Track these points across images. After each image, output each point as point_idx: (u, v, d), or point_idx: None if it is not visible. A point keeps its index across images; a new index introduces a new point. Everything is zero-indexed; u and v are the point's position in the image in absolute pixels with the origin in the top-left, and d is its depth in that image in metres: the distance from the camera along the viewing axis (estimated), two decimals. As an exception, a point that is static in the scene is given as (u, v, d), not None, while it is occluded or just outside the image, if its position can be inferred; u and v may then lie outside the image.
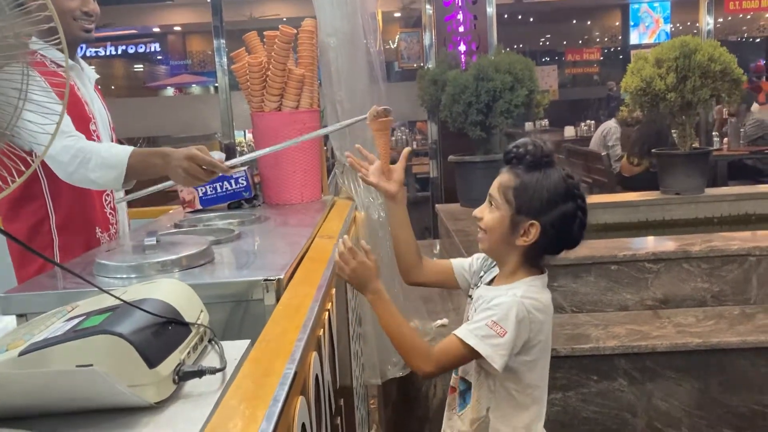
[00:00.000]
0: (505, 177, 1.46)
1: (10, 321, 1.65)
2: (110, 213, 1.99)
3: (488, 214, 1.48)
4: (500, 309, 1.40)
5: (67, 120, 1.68)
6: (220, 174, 1.67)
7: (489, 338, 1.38)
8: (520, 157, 1.44)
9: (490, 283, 1.56)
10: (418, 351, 1.45)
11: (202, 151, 1.60)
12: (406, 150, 1.74)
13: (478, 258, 1.65)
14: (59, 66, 1.69)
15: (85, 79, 1.98)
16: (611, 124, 6.52)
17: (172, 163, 1.59)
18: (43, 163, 1.71)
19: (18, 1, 0.89)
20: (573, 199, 1.43)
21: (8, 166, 0.88)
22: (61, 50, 0.91)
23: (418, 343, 1.46)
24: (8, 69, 0.83)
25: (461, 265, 1.67)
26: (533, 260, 1.48)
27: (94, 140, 1.84)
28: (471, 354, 1.41)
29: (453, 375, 1.62)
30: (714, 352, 2.61)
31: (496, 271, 1.57)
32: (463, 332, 1.41)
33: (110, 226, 1.98)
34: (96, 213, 1.93)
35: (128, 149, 1.65)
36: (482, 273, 1.62)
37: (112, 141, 2.00)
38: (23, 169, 0.93)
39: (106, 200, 1.96)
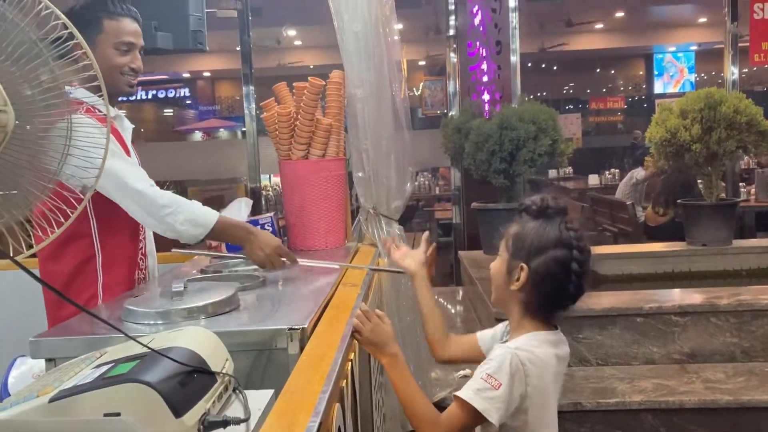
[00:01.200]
0: (510, 227, 1.51)
1: (35, 362, 1.68)
2: (141, 258, 2.04)
3: (494, 263, 1.53)
4: (494, 361, 1.38)
5: (142, 171, 1.83)
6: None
7: (484, 391, 1.35)
8: (526, 209, 1.49)
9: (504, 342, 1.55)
10: (428, 418, 1.42)
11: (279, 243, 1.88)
12: (426, 234, 1.85)
13: (502, 325, 1.64)
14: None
15: (124, 130, 2.04)
16: (640, 173, 6.49)
17: (256, 243, 1.82)
18: (94, 202, 1.78)
19: (60, 52, 0.93)
20: (566, 247, 1.43)
21: (59, 206, 0.92)
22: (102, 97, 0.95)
23: (428, 410, 1.44)
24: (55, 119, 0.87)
25: (485, 336, 1.66)
26: (536, 312, 1.47)
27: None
28: (472, 413, 1.36)
29: None
30: (745, 411, 2.54)
31: None
32: (462, 391, 1.39)
33: (141, 271, 2.03)
34: (134, 255, 1.99)
35: (216, 213, 1.82)
36: (504, 338, 1.59)
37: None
38: (75, 204, 0.96)
39: (140, 244, 2.02)
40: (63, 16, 0.84)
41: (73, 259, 1.85)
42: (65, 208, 0.94)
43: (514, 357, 1.37)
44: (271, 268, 1.83)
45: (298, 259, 1.90)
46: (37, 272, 1.86)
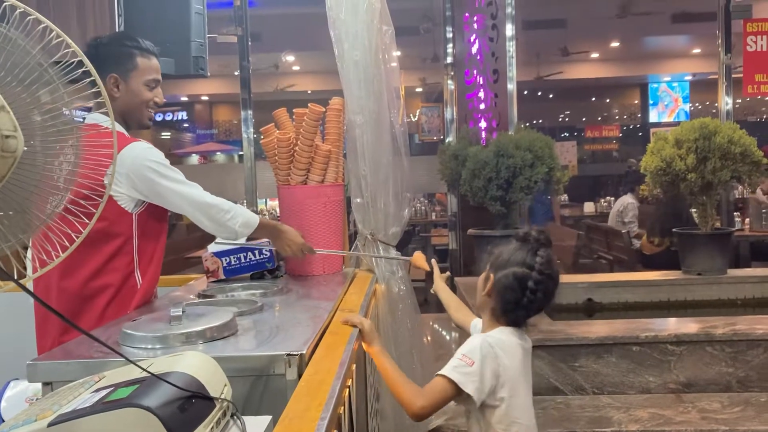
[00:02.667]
0: (497, 246, 1.80)
1: (28, 386, 1.67)
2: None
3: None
4: (468, 345, 1.66)
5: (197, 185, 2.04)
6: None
7: (460, 368, 1.61)
8: (515, 235, 1.78)
9: None
10: (412, 392, 1.64)
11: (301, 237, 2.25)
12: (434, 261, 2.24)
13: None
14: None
15: None
16: (628, 200, 6.51)
17: (285, 239, 2.20)
18: (140, 221, 1.92)
19: (71, 77, 0.95)
20: (528, 267, 1.67)
21: (63, 230, 0.93)
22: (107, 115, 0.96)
23: (412, 386, 1.66)
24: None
25: (476, 324, 1.92)
26: (501, 316, 1.71)
27: None
28: (450, 386, 1.60)
29: None
30: (741, 441, 2.53)
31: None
32: (442, 369, 1.64)
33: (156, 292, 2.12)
34: (157, 278, 2.06)
35: (258, 216, 2.14)
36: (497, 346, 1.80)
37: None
38: (81, 230, 0.97)
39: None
40: (73, 44, 0.86)
41: (118, 272, 1.91)
42: (70, 232, 0.95)
43: (484, 341, 1.65)
44: (296, 257, 2.25)
45: (315, 250, 2.30)
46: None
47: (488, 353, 1.62)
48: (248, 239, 2.31)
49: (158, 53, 2.06)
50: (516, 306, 1.68)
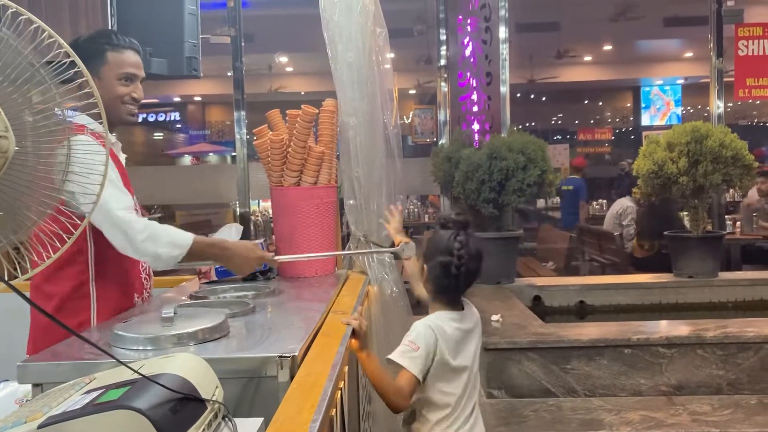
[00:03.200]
0: (426, 235, 1.92)
1: (18, 387, 1.65)
2: (145, 278, 2.04)
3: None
4: (414, 332, 1.80)
5: (130, 198, 1.86)
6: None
7: (407, 353, 1.76)
8: (437, 220, 1.93)
9: None
10: (391, 388, 1.73)
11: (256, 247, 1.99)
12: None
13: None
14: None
15: (121, 156, 2.05)
16: (626, 203, 6.51)
17: (236, 259, 1.93)
18: (94, 228, 1.79)
19: (62, 78, 0.94)
20: (450, 253, 1.80)
21: (55, 231, 0.92)
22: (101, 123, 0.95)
23: (391, 383, 1.75)
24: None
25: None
26: (439, 298, 1.86)
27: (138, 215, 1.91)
28: (409, 373, 1.73)
29: None
30: (731, 443, 2.54)
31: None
32: (392, 354, 1.78)
33: (144, 291, 2.03)
34: (134, 278, 1.98)
35: (191, 235, 1.87)
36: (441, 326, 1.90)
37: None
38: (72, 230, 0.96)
39: (143, 266, 2.02)
40: (65, 44, 0.85)
41: (69, 281, 1.83)
42: (61, 233, 0.94)
43: (426, 326, 1.79)
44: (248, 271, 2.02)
45: (277, 258, 2.12)
46: (28, 294, 1.84)
47: (429, 337, 1.77)
48: (201, 268, 2.24)
49: (139, 48, 1.98)
50: (447, 289, 1.84)
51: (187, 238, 1.84)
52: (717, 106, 5.64)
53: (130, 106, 1.96)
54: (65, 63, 0.86)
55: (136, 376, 1.03)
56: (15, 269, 0.87)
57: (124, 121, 1.99)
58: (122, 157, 2.08)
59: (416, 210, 9.29)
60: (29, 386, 1.39)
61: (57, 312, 1.80)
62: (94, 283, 1.85)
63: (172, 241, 1.81)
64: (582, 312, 4.04)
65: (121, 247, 1.79)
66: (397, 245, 2.17)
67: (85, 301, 1.84)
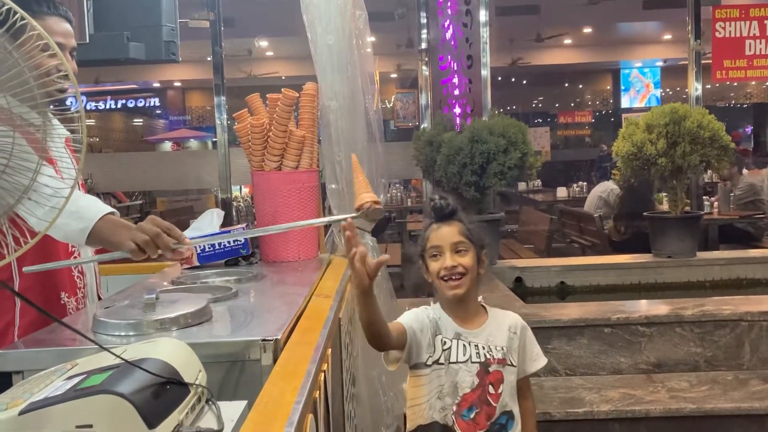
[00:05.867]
0: (456, 226, 1.74)
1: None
2: (78, 276, 1.86)
3: (464, 258, 1.71)
4: (527, 326, 1.81)
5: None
6: (170, 246, 1.51)
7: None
8: (454, 210, 1.77)
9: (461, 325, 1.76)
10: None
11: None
12: (385, 257, 1.62)
13: (421, 312, 1.79)
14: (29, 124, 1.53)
15: (55, 137, 1.87)
16: (611, 185, 6.55)
17: (134, 231, 1.50)
18: (11, 220, 1.60)
19: (35, 61, 0.91)
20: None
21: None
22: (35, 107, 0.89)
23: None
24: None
25: (409, 320, 1.76)
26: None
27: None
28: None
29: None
30: (708, 419, 2.60)
31: (445, 318, 1.76)
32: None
33: (77, 290, 1.86)
34: (63, 276, 1.80)
35: (104, 210, 1.57)
36: (436, 318, 1.77)
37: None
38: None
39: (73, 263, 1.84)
40: (39, 27, 0.84)
41: None
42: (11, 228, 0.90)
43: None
44: (146, 249, 1.50)
45: (188, 238, 1.59)
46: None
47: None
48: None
49: (67, 15, 1.76)
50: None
51: (94, 212, 1.55)
52: (695, 87, 5.69)
53: (60, 82, 1.60)
54: (39, 45, 0.85)
55: (118, 361, 1.03)
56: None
57: (53, 98, 1.73)
58: (62, 135, 1.84)
59: (399, 194, 9.29)
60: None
61: None
62: (18, 280, 1.68)
63: (76, 212, 1.53)
64: (563, 293, 4.09)
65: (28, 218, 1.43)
66: (362, 206, 1.73)
67: (9, 302, 1.69)
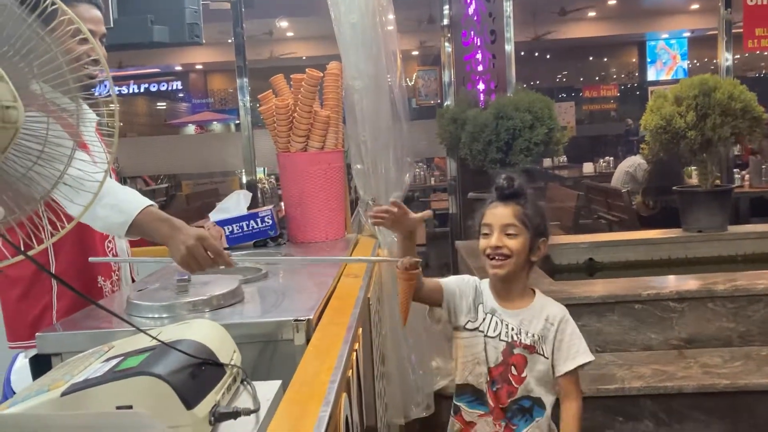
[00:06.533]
0: (512, 209, 1.72)
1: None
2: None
3: (511, 241, 1.70)
4: (571, 322, 1.77)
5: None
6: (220, 266, 1.52)
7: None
8: (519, 192, 1.74)
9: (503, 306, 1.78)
10: None
11: (212, 237, 1.54)
12: (428, 212, 1.73)
13: (468, 278, 1.83)
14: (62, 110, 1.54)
15: (87, 122, 1.90)
16: (639, 159, 6.44)
17: (178, 237, 1.49)
18: (47, 205, 1.62)
19: (66, 46, 0.92)
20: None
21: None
22: (67, 92, 0.90)
23: None
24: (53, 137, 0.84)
25: (449, 283, 1.80)
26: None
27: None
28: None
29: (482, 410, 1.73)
30: (742, 394, 2.57)
31: (487, 293, 1.78)
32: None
33: (112, 274, 1.91)
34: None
35: (144, 203, 1.59)
36: (481, 289, 1.81)
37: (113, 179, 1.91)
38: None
39: (108, 246, 1.90)
40: (69, 11, 0.84)
41: (28, 266, 1.69)
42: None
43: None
44: (194, 267, 1.49)
45: (233, 256, 1.56)
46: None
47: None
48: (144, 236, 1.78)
49: (98, 2, 1.78)
50: None
51: (134, 206, 1.57)
52: (725, 58, 5.56)
53: (90, 68, 1.66)
54: (70, 30, 0.85)
55: (154, 343, 1.04)
56: (30, 239, 0.87)
57: (84, 85, 1.74)
58: (92, 120, 1.76)
59: (422, 173, 9.26)
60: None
61: (24, 298, 1.74)
62: (54, 264, 1.74)
63: (117, 204, 1.55)
64: (591, 269, 4.05)
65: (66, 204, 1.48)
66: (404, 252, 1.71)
67: (46, 285, 1.74)
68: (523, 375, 1.71)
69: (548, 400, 1.73)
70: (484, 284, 1.81)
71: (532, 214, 1.72)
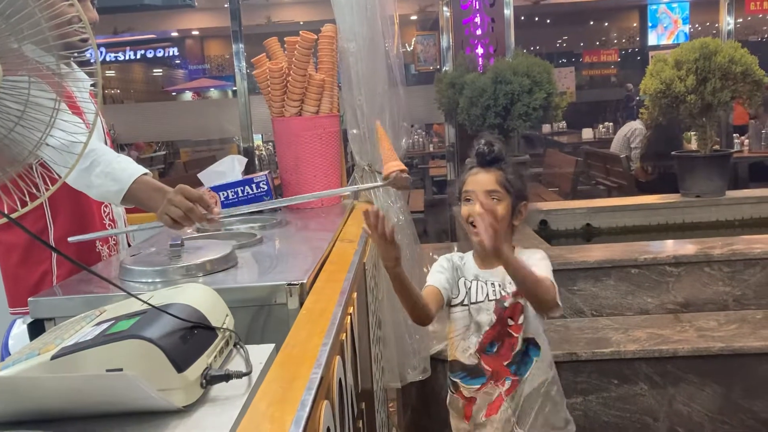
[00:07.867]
0: (494, 174, 1.72)
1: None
2: (109, 225, 1.93)
3: (495, 207, 1.65)
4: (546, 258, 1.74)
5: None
6: (203, 217, 1.51)
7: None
8: (499, 156, 1.73)
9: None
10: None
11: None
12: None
13: (444, 261, 1.83)
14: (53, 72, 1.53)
15: (80, 85, 1.89)
16: (636, 125, 6.42)
17: (166, 196, 1.49)
18: (46, 170, 1.62)
19: (52, 12, 0.90)
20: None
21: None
22: (48, 49, 0.88)
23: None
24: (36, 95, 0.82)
25: (439, 280, 1.80)
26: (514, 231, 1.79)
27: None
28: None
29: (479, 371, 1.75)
30: (737, 357, 2.58)
31: (470, 262, 1.81)
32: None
33: (109, 239, 1.93)
34: (95, 225, 1.86)
35: (139, 171, 1.58)
36: (460, 264, 1.82)
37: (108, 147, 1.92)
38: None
39: (104, 212, 1.91)
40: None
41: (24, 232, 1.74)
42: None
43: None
44: (179, 220, 1.49)
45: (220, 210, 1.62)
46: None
47: None
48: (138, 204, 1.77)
49: None
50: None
51: (129, 174, 1.56)
52: (727, 22, 5.49)
53: (80, 30, 1.70)
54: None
55: (145, 307, 1.04)
56: (14, 203, 0.86)
57: (72, 46, 1.58)
58: (86, 80, 1.80)
59: (420, 140, 9.21)
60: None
61: (22, 264, 1.75)
62: (52, 231, 1.76)
63: (111, 173, 1.55)
64: (588, 235, 4.05)
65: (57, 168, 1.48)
66: (389, 174, 1.83)
67: (45, 251, 1.76)
68: (520, 322, 1.74)
69: (541, 341, 1.77)
70: (468, 255, 1.81)
71: (513, 179, 1.72)
